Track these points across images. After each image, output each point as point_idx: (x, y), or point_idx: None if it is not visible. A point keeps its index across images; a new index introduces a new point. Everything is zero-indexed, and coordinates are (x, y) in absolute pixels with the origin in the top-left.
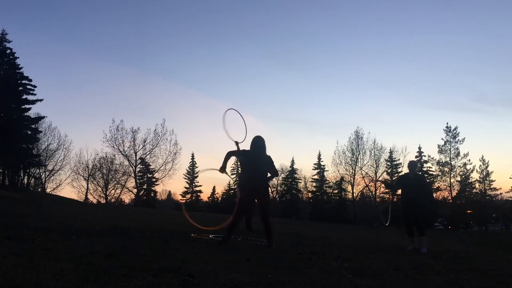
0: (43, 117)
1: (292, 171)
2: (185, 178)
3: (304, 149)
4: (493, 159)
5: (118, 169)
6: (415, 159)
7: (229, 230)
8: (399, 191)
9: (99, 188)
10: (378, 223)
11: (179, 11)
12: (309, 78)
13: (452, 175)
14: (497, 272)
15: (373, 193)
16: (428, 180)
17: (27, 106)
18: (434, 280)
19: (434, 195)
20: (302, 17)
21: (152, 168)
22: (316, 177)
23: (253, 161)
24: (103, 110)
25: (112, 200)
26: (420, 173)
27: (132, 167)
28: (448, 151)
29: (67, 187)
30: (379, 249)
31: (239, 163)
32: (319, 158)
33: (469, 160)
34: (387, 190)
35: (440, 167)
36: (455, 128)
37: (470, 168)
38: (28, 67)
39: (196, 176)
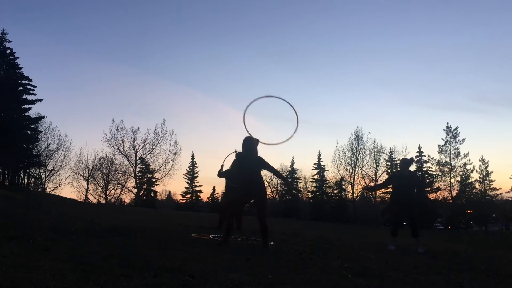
0: (43, 117)
1: (292, 171)
2: (185, 178)
3: (304, 149)
4: (493, 159)
5: (118, 169)
6: (408, 157)
7: (227, 231)
8: (390, 189)
9: (99, 188)
10: (376, 223)
11: (179, 11)
12: (309, 78)
13: (452, 175)
14: (497, 272)
15: (373, 193)
16: (426, 180)
17: (27, 106)
18: (434, 280)
19: (434, 195)
20: (302, 17)
21: (152, 168)
22: (316, 177)
23: (246, 164)
24: (103, 110)
25: (112, 200)
26: (414, 170)
27: (132, 167)
28: (448, 151)
29: (67, 187)
30: (379, 249)
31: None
32: (319, 158)
33: (469, 160)
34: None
35: (440, 167)
36: (455, 128)
37: (470, 168)
38: (28, 67)
39: (196, 176)
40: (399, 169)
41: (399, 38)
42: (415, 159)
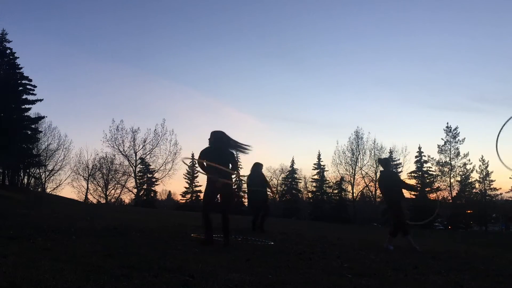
0: (43, 117)
1: (292, 171)
2: (185, 178)
3: (304, 149)
4: (493, 159)
5: (118, 169)
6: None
7: (206, 229)
8: (380, 190)
9: (99, 188)
10: (377, 223)
11: (179, 11)
12: (309, 78)
13: (452, 175)
14: (497, 272)
15: (373, 193)
16: (426, 180)
17: (27, 106)
18: (434, 280)
19: (434, 195)
20: (302, 17)
21: (152, 168)
22: (316, 177)
23: (215, 158)
24: (103, 110)
25: (112, 200)
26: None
27: (132, 167)
28: (448, 151)
29: (67, 187)
30: (379, 249)
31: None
32: (319, 158)
33: (469, 160)
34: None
35: (440, 167)
36: (455, 128)
37: (470, 168)
38: (28, 67)
39: (196, 176)
40: (382, 168)
41: (399, 38)
42: (415, 159)
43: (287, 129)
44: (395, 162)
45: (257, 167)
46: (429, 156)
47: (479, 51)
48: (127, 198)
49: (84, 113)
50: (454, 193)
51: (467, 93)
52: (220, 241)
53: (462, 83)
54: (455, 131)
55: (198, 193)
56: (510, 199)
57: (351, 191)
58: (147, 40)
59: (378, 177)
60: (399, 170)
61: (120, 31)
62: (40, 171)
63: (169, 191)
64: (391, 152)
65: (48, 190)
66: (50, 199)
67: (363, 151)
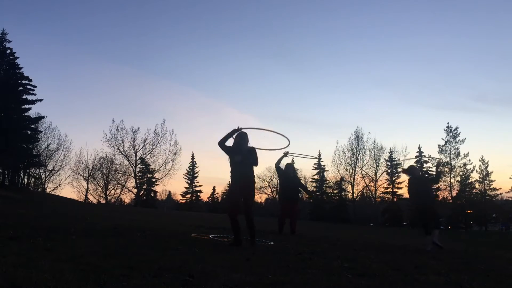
0: (43, 117)
1: None
2: (185, 178)
3: (304, 149)
4: (493, 159)
5: (118, 169)
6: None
7: (234, 231)
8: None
9: (99, 188)
10: (375, 223)
11: (179, 11)
12: (309, 78)
13: (452, 175)
14: (497, 272)
15: (373, 193)
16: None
17: (27, 106)
18: (434, 280)
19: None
20: (302, 17)
21: (152, 168)
22: (316, 177)
23: (237, 158)
24: (103, 110)
25: (112, 200)
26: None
27: (132, 167)
28: (449, 151)
29: (67, 187)
30: (379, 249)
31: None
32: (319, 158)
33: (469, 160)
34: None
35: (440, 167)
36: (456, 128)
37: (470, 168)
38: (28, 67)
39: (196, 176)
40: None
41: (399, 38)
42: (415, 159)
43: (287, 129)
44: (395, 162)
45: (287, 168)
46: (429, 156)
47: (479, 51)
48: (127, 198)
49: (84, 113)
50: (454, 193)
51: (467, 93)
52: (226, 242)
53: (462, 83)
54: (455, 131)
55: (198, 193)
56: (510, 199)
57: (351, 191)
58: (147, 40)
59: (408, 183)
60: (399, 170)
61: (120, 31)
62: (40, 171)
63: (169, 191)
64: (391, 152)
65: (48, 190)
66: (50, 199)
67: (363, 151)
